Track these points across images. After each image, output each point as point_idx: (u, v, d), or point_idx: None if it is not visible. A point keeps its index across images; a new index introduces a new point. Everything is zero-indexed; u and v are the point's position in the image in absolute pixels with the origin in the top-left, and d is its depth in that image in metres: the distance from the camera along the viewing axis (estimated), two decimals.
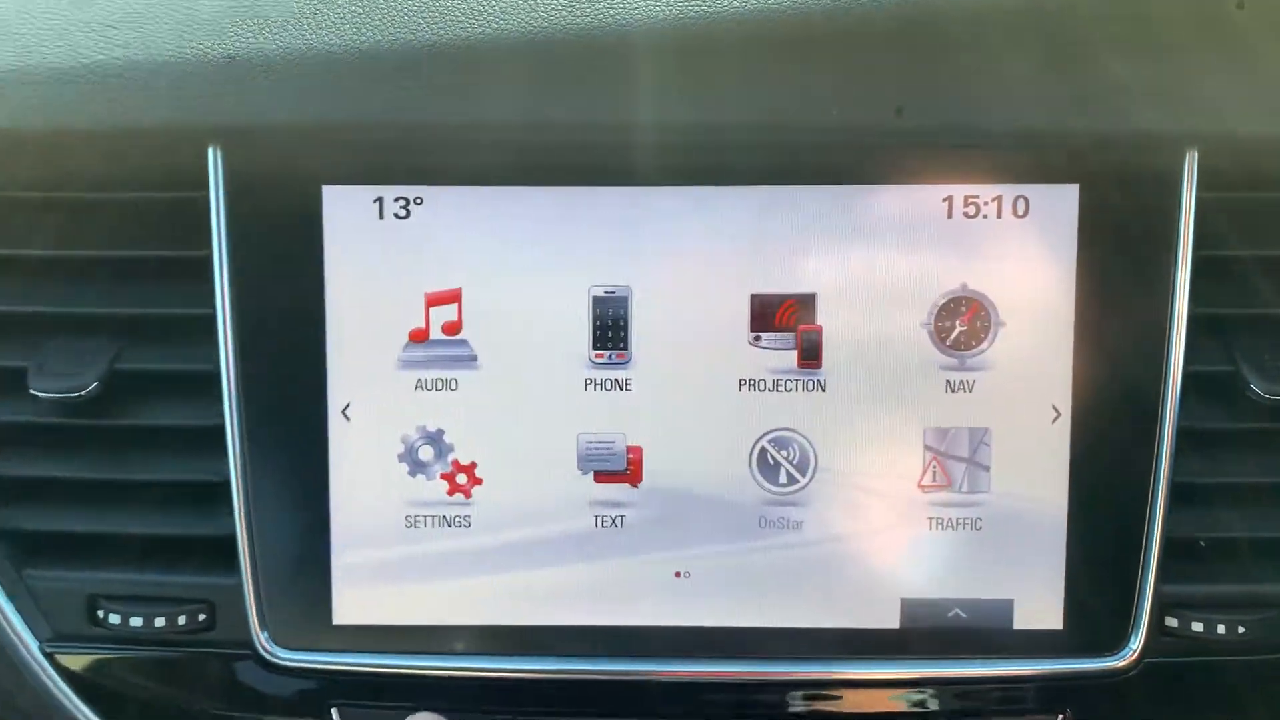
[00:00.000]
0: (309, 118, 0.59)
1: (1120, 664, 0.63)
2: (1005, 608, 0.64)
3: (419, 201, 0.62)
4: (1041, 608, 0.64)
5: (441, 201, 0.62)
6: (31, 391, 0.63)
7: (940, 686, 0.64)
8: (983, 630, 0.64)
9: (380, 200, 0.62)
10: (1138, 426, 0.62)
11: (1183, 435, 0.62)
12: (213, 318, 0.63)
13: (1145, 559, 0.63)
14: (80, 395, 0.63)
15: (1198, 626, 0.63)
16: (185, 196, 0.63)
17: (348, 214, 0.62)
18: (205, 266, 0.62)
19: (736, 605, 0.64)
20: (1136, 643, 0.63)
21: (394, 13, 0.59)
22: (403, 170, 0.62)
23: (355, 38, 0.58)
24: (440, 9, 0.58)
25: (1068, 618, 0.64)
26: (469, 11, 0.58)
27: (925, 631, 0.64)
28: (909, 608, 0.64)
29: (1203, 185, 0.61)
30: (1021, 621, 0.64)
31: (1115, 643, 0.64)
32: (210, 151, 0.61)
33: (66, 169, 0.63)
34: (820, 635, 0.64)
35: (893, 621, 0.64)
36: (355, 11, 0.59)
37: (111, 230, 0.64)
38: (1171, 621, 0.64)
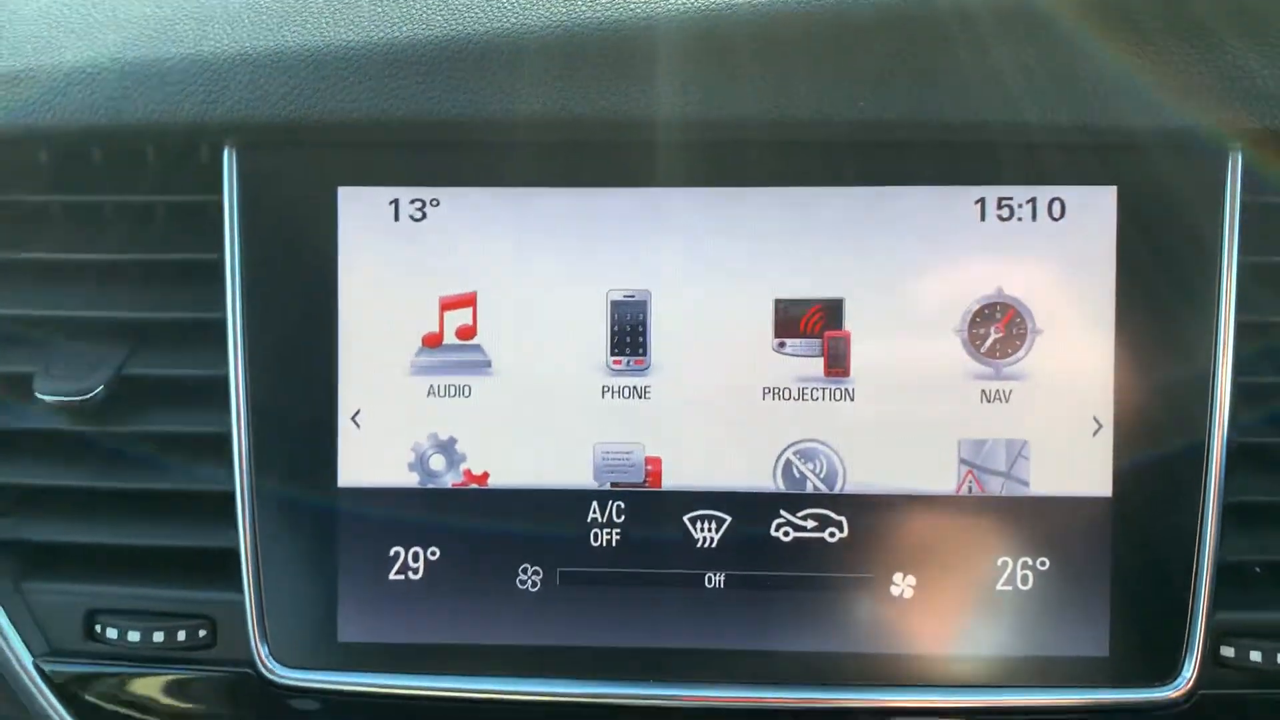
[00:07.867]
0: (324, 115, 0.58)
1: (1172, 695, 0.60)
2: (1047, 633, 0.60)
3: (435, 203, 0.61)
4: (1086, 633, 0.60)
5: (458, 203, 0.61)
6: (37, 395, 0.62)
7: (976, 716, 0.60)
8: (1023, 657, 0.60)
9: (396, 202, 0.61)
10: (1185, 440, 0.59)
11: (1234, 450, 0.59)
12: (223, 322, 0.61)
13: (1197, 583, 0.59)
14: (86, 399, 0.61)
15: (1256, 656, 0.59)
16: (198, 200, 0.62)
17: (362, 215, 0.61)
18: (216, 270, 0.61)
19: (762, 627, 0.61)
20: (1189, 673, 0.59)
21: (412, 9, 0.58)
22: (419, 171, 0.61)
23: (373, 34, 0.58)
24: (459, 4, 0.58)
25: (1114, 645, 0.60)
26: (488, 7, 0.57)
27: (962, 657, 0.60)
28: None
29: (1247, 188, 0.58)
30: (1064, 648, 0.60)
31: (1166, 673, 0.60)
32: (225, 152, 0.60)
33: (76, 169, 0.62)
34: (848, 661, 0.61)
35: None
36: (372, 8, 0.58)
37: (122, 233, 0.63)
38: (1227, 651, 0.60)
